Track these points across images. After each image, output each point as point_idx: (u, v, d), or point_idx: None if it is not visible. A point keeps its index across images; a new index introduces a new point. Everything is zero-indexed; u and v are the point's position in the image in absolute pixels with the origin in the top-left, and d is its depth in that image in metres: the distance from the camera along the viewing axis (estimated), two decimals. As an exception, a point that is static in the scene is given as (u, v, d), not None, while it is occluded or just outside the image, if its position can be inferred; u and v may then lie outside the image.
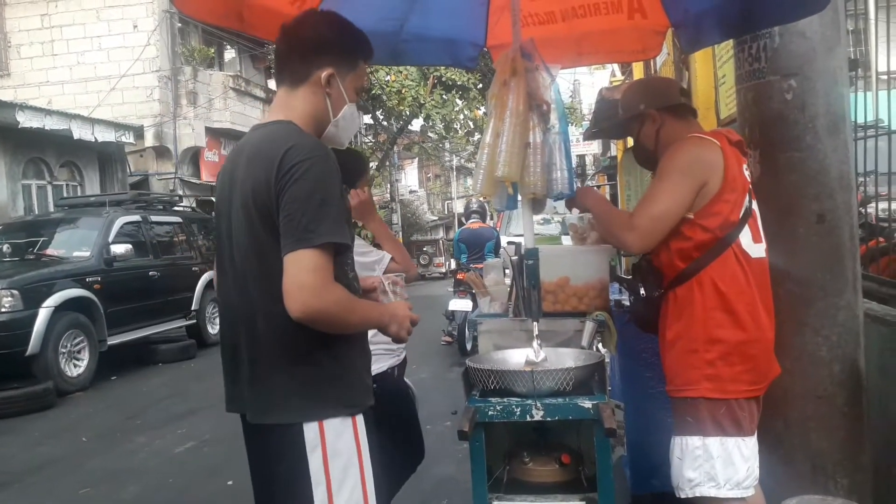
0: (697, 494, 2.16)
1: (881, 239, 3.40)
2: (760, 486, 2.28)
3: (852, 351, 2.56)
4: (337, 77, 1.81)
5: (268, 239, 1.65)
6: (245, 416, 1.81)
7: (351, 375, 1.76)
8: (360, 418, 1.75)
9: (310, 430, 1.68)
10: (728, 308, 2.15)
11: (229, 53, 18.30)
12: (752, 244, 2.20)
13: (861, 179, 3.32)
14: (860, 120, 3.24)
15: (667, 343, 2.27)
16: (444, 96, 18.13)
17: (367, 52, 1.90)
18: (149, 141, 14.50)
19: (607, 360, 3.05)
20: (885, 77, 3.53)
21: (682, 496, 2.21)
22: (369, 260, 2.83)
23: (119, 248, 8.77)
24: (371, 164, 18.27)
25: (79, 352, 8.02)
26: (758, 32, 2.58)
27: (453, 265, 10.29)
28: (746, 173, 2.25)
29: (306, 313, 1.58)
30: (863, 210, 3.45)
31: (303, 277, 1.57)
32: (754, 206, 2.24)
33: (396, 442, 2.87)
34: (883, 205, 3.55)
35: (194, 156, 15.39)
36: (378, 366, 2.78)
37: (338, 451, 1.70)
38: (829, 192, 2.53)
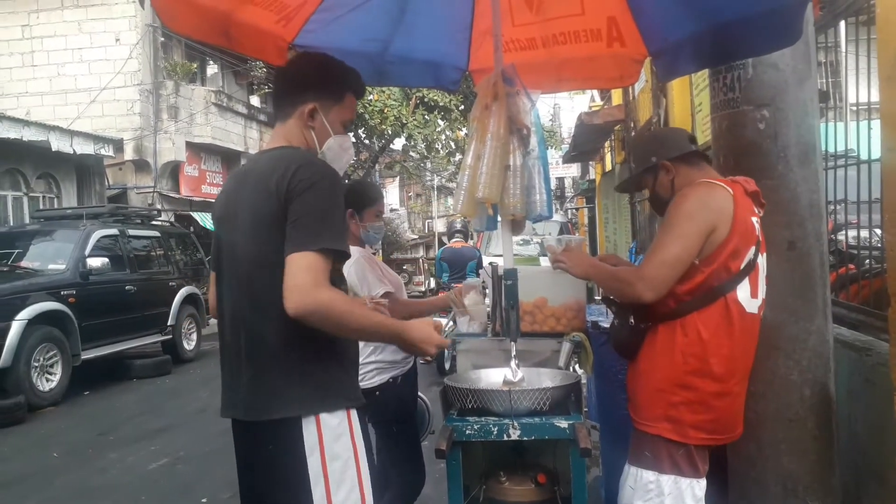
0: None
1: (851, 266, 3.48)
2: None
3: (822, 375, 2.61)
4: (320, 111, 1.94)
5: (275, 245, 1.74)
6: (237, 420, 1.88)
7: (345, 373, 1.86)
8: (354, 413, 1.83)
9: (309, 429, 1.75)
10: (706, 357, 2.13)
11: (212, 69, 18.27)
12: (749, 299, 2.16)
13: (832, 208, 3.40)
14: (832, 150, 3.33)
15: (638, 372, 2.28)
16: (426, 117, 18.20)
17: (354, 86, 2.03)
18: (128, 154, 14.39)
19: (584, 380, 3.08)
20: (856, 108, 3.63)
21: None
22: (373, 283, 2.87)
23: (95, 262, 8.67)
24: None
25: (51, 366, 7.89)
26: (732, 63, 2.65)
27: (433, 284, 10.27)
28: (757, 225, 2.21)
29: (299, 310, 1.66)
30: (834, 237, 3.52)
31: (299, 276, 1.67)
32: (760, 259, 2.20)
33: (400, 455, 2.87)
34: (853, 233, 3.64)
35: (174, 170, 15.30)
36: (381, 377, 2.81)
37: (337, 453, 1.77)
38: (799, 220, 2.60)
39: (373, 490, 1.84)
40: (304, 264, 1.68)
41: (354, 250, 2.94)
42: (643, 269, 2.18)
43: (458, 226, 9.22)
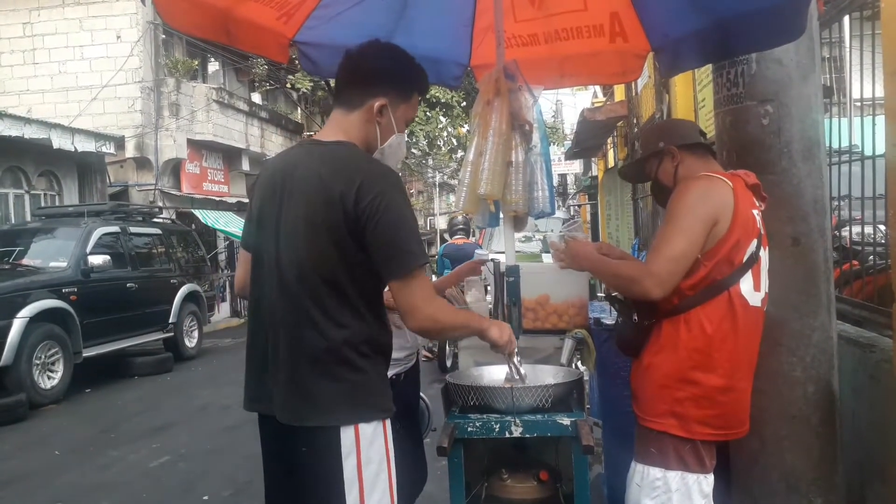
0: None
1: (855, 262, 3.47)
2: None
3: (826, 372, 2.60)
4: (389, 107, 1.92)
5: (328, 252, 1.77)
6: (270, 418, 1.87)
7: (382, 383, 1.89)
8: (388, 423, 1.87)
9: (346, 435, 1.77)
10: (710, 352, 2.12)
11: (213, 66, 18.25)
12: (753, 292, 2.15)
13: (836, 203, 3.38)
14: (836, 145, 3.31)
15: (641, 369, 2.25)
16: (427, 113, 18.20)
17: (422, 86, 2.04)
18: (129, 152, 14.38)
19: (586, 377, 3.07)
20: (860, 104, 3.62)
21: None
22: None
23: (97, 259, 8.67)
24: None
25: (53, 363, 7.90)
26: (735, 59, 2.64)
27: (435, 280, 10.27)
28: (758, 219, 2.19)
29: (423, 327, 1.83)
30: (838, 233, 3.51)
31: (416, 300, 1.78)
32: (762, 253, 2.18)
33: (403, 453, 2.88)
34: (857, 229, 3.62)
35: (175, 167, 15.28)
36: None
37: (370, 458, 1.80)
38: (803, 215, 2.58)
39: (399, 493, 1.88)
40: (418, 286, 1.78)
41: None
42: (650, 265, 2.15)
43: (460, 222, 9.19)
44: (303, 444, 1.81)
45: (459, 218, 9.13)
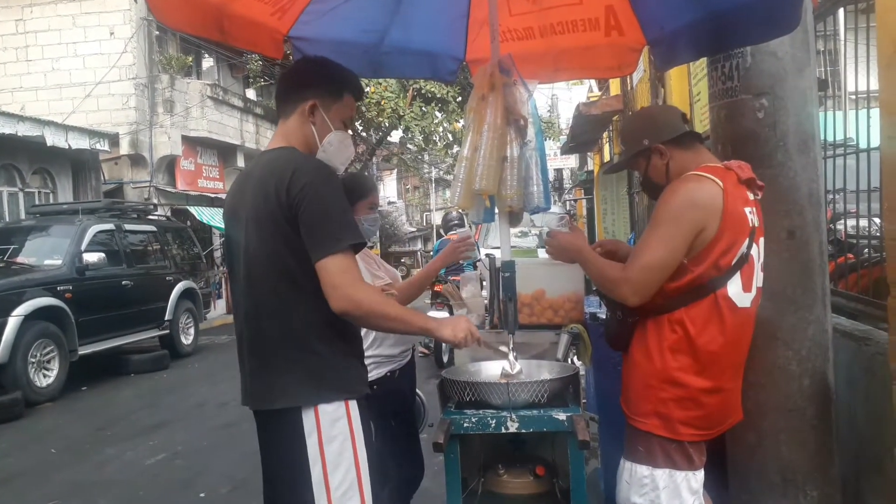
0: None
1: (850, 255, 3.47)
2: (722, 501, 2.29)
3: (822, 365, 2.61)
4: (320, 108, 2.04)
5: (275, 245, 1.89)
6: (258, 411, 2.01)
7: (346, 366, 1.96)
8: (353, 404, 1.92)
9: (307, 415, 1.87)
10: (695, 353, 2.09)
11: (207, 62, 18.19)
12: (741, 293, 2.11)
13: (831, 197, 3.38)
14: (831, 139, 3.31)
15: (630, 365, 2.24)
16: (423, 108, 18.16)
17: (352, 86, 2.15)
18: (124, 149, 14.33)
19: (582, 372, 3.07)
20: (855, 97, 3.61)
21: None
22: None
23: (92, 257, 8.65)
24: (349, 175, 18.20)
25: (48, 361, 7.88)
26: (730, 52, 2.63)
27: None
28: (751, 216, 2.13)
29: (344, 308, 1.83)
30: (833, 227, 3.51)
31: (337, 278, 1.83)
32: (754, 251, 2.13)
33: (398, 449, 2.87)
34: (852, 222, 3.63)
35: (170, 164, 15.24)
36: (379, 371, 2.81)
37: (332, 437, 1.87)
38: (798, 208, 2.58)
39: (371, 474, 1.92)
40: (338, 267, 1.83)
41: None
42: (627, 272, 2.13)
43: (455, 218, 9.17)
44: (272, 427, 1.95)
45: (454, 213, 9.12)
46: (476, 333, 2.06)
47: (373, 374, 2.89)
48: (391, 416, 2.90)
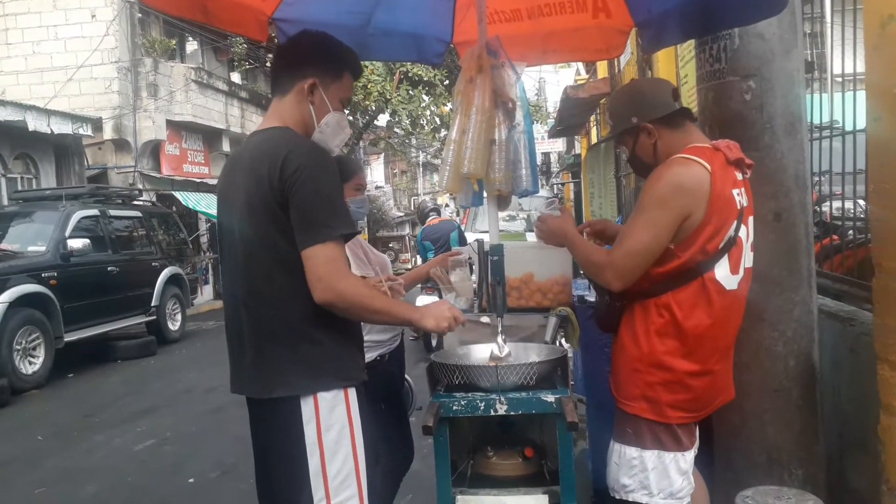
0: (630, 499, 2.18)
1: (835, 237, 3.49)
2: (711, 478, 2.31)
3: (807, 346, 2.63)
4: (319, 87, 1.98)
5: (269, 231, 1.84)
6: (251, 399, 1.99)
7: (344, 353, 1.94)
8: (352, 392, 1.91)
9: (306, 403, 1.84)
10: (682, 337, 2.08)
11: (191, 45, 17.96)
12: (729, 275, 2.09)
13: (817, 179, 3.40)
14: (817, 121, 3.32)
15: (619, 348, 2.24)
16: (410, 92, 18.05)
17: (352, 65, 2.08)
18: (107, 133, 14.17)
19: (570, 354, 3.08)
20: (841, 79, 3.62)
21: (617, 497, 2.22)
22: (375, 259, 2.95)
23: (76, 243, 8.58)
24: (336, 160, 18.10)
25: (34, 349, 7.83)
26: (718, 34, 2.63)
27: (420, 261, 10.45)
28: (739, 197, 2.10)
29: (327, 300, 1.79)
30: (818, 209, 3.53)
31: (322, 269, 1.78)
32: (742, 233, 2.11)
33: (388, 432, 2.88)
34: (837, 204, 3.65)
35: (154, 149, 15.08)
36: (369, 355, 2.82)
37: (331, 425, 1.86)
38: (785, 190, 2.59)
39: (367, 462, 1.92)
40: (323, 257, 1.78)
41: None
42: (611, 257, 2.12)
43: (429, 205, 9.49)
44: (269, 416, 1.91)
45: (427, 202, 9.42)
46: (459, 317, 2.04)
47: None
48: (381, 400, 2.91)
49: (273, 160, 1.81)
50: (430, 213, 9.19)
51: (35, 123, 11.49)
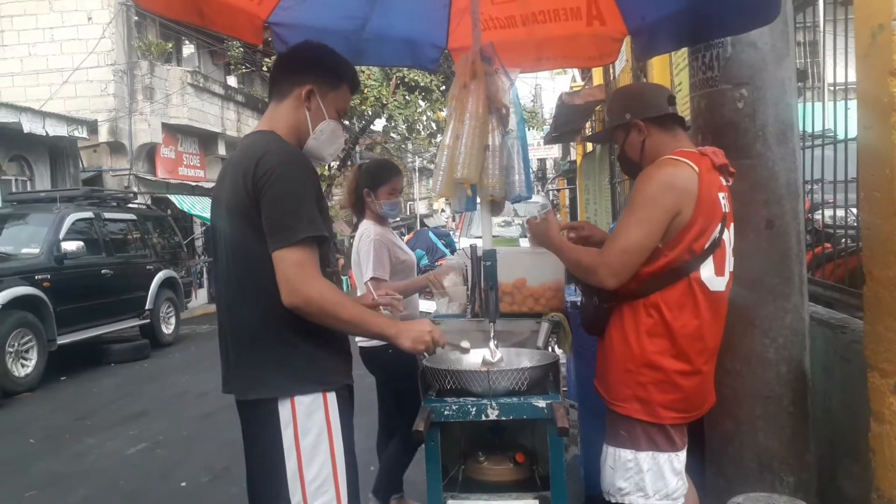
0: (626, 502, 2.19)
1: (827, 245, 3.51)
2: (702, 485, 2.32)
3: (798, 353, 2.64)
4: (317, 94, 2.00)
5: (246, 234, 1.85)
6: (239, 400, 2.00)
7: (324, 357, 1.92)
8: (332, 396, 1.90)
9: (283, 407, 1.85)
10: (671, 336, 2.12)
11: (188, 48, 17.96)
12: (714, 277, 2.13)
13: (809, 187, 3.42)
14: (810, 129, 3.34)
15: (606, 351, 2.26)
16: (406, 97, 18.06)
17: (351, 78, 2.10)
18: (103, 136, 14.14)
19: (562, 360, 3.08)
20: (833, 88, 3.64)
21: (612, 501, 2.23)
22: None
23: (70, 246, 8.54)
24: (332, 165, 18.13)
25: (27, 351, 7.79)
26: (711, 42, 2.64)
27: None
28: (723, 201, 2.16)
29: (293, 303, 1.79)
30: (811, 217, 3.55)
31: (290, 272, 1.78)
32: (725, 236, 2.16)
33: (407, 408, 2.90)
34: (829, 212, 3.66)
35: (150, 152, 15.06)
36: (372, 341, 2.87)
37: (308, 429, 1.85)
38: (777, 198, 2.60)
39: (347, 468, 1.91)
40: (291, 260, 1.78)
41: (372, 229, 3.23)
42: (605, 256, 2.15)
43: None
44: (250, 418, 1.94)
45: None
46: (439, 339, 1.98)
47: (367, 343, 3.12)
48: (399, 380, 2.96)
49: (249, 163, 1.83)
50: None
51: (30, 125, 11.46)
